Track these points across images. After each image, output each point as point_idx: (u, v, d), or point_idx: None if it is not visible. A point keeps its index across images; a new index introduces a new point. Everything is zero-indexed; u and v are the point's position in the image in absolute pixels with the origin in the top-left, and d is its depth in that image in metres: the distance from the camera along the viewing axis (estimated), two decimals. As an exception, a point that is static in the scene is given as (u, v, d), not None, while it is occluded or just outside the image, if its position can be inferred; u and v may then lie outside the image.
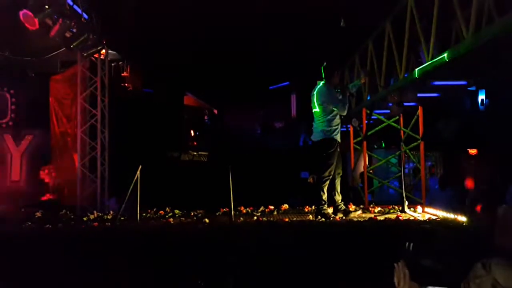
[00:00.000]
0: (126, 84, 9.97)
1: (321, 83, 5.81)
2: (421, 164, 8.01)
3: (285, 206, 6.83)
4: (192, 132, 13.35)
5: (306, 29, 10.10)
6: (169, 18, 8.97)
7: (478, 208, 7.47)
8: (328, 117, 5.70)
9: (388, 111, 8.41)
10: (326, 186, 5.72)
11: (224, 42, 10.70)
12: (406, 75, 6.89)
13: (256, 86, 13.25)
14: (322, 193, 5.68)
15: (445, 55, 5.71)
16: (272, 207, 6.71)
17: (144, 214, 6.27)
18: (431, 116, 8.41)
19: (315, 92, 5.86)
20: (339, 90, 5.84)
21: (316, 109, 5.81)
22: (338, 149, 5.81)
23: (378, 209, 6.73)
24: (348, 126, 10.01)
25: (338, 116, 5.78)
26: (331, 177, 5.72)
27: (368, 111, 8.50)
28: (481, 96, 12.02)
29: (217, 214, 6.41)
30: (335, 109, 5.69)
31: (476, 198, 8.01)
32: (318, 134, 5.78)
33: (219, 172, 6.20)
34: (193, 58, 10.88)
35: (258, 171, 11.44)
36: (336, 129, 5.74)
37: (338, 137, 5.77)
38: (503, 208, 2.38)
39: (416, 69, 6.30)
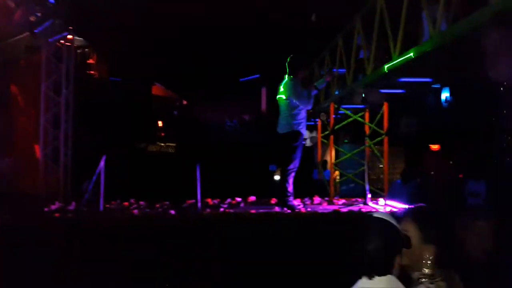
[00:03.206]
0: (92, 72, 9.72)
1: (288, 77, 5.86)
2: (385, 159, 8.20)
3: (252, 198, 6.86)
4: (160, 122, 13.17)
5: (277, 23, 10.13)
6: (138, 5, 8.79)
7: (439, 201, 7.73)
8: (294, 111, 5.76)
9: (356, 106, 8.56)
10: (292, 178, 5.79)
11: (194, 33, 10.59)
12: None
13: (226, 78, 13.20)
14: (287, 185, 5.74)
15: (412, 52, 5.85)
16: (239, 199, 6.72)
17: (107, 206, 6.16)
18: (396, 111, 8.62)
19: (281, 86, 5.91)
20: (308, 81, 5.91)
21: (282, 103, 5.86)
22: (303, 143, 5.88)
23: (342, 201, 6.86)
24: (316, 120, 10.12)
25: (304, 110, 5.84)
26: (296, 169, 5.79)
27: (336, 106, 8.62)
28: (445, 94, 12.39)
29: (183, 206, 6.38)
30: (299, 104, 5.75)
31: (437, 192, 8.29)
32: (283, 127, 5.83)
33: (187, 163, 6.16)
34: (163, 48, 10.72)
35: (226, 163, 11.42)
36: (302, 122, 5.80)
37: (303, 131, 5.84)
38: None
39: (385, 66, 6.43)
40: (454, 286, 1.85)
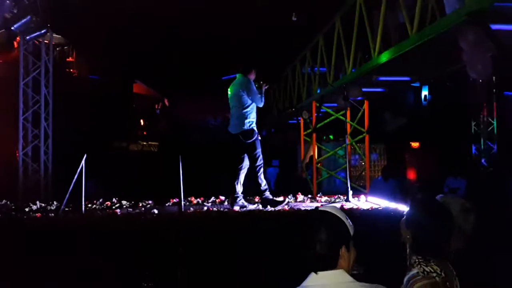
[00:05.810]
0: (71, 70, 9.60)
1: (240, 75, 5.91)
2: (366, 156, 8.31)
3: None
4: (141, 121, 13.08)
5: (260, 22, 10.16)
6: (118, 3, 8.71)
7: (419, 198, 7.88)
8: (247, 110, 5.81)
9: (336, 104, 8.64)
10: (262, 173, 5.86)
11: (177, 31, 10.54)
12: (353, 70, 7.11)
13: (209, 76, 13.16)
14: (260, 181, 5.82)
15: (391, 51, 5.95)
16: (222, 198, 6.73)
17: (89, 205, 6.09)
18: (377, 110, 8.74)
19: (234, 84, 5.95)
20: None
21: (233, 103, 5.90)
22: (259, 138, 5.92)
23: (324, 198, 6.94)
24: (299, 118, 10.17)
25: (255, 109, 5.90)
26: (263, 163, 5.86)
27: (318, 104, 8.69)
28: (424, 92, 12.62)
29: (166, 204, 6.35)
30: (252, 99, 5.80)
31: (416, 188, 8.45)
32: (235, 126, 5.87)
33: (170, 162, 6.13)
34: (144, 45, 10.63)
35: (209, 162, 11.39)
36: (253, 122, 5.86)
37: (255, 128, 5.90)
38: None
39: (363, 64, 6.51)
40: (448, 272, 1.94)
